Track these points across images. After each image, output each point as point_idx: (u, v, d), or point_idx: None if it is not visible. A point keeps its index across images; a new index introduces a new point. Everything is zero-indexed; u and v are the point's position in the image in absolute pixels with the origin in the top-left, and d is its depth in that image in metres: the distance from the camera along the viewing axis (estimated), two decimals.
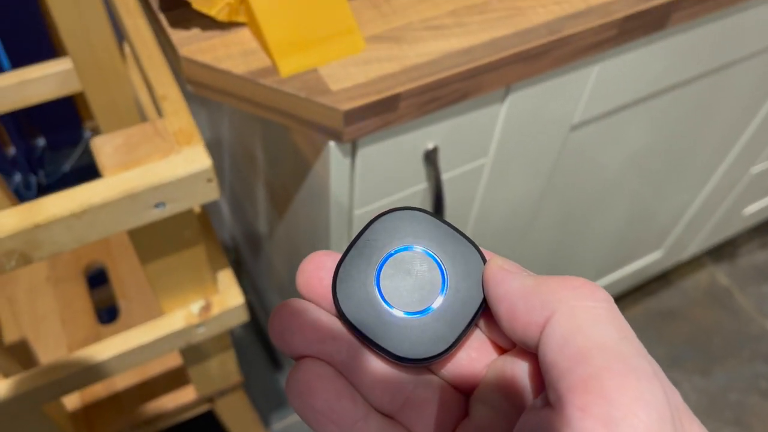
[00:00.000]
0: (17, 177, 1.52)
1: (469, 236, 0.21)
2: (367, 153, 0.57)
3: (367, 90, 0.51)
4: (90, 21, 0.67)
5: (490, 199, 0.73)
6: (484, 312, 0.20)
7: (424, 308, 0.20)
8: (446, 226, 0.21)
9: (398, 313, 0.20)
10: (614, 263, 1.11)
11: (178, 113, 0.49)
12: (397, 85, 0.51)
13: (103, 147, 0.46)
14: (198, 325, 0.61)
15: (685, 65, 0.71)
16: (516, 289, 0.19)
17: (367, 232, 0.21)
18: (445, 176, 0.64)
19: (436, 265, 0.20)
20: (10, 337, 0.80)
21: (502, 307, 0.19)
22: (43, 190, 1.56)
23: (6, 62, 1.20)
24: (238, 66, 0.52)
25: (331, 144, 0.54)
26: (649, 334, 1.23)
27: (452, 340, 0.20)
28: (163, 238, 0.53)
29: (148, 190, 0.45)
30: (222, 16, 0.52)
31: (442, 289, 0.20)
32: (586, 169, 0.80)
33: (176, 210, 0.48)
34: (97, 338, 0.81)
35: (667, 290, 1.30)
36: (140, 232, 0.50)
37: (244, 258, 1.19)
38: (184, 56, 0.52)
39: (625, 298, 1.25)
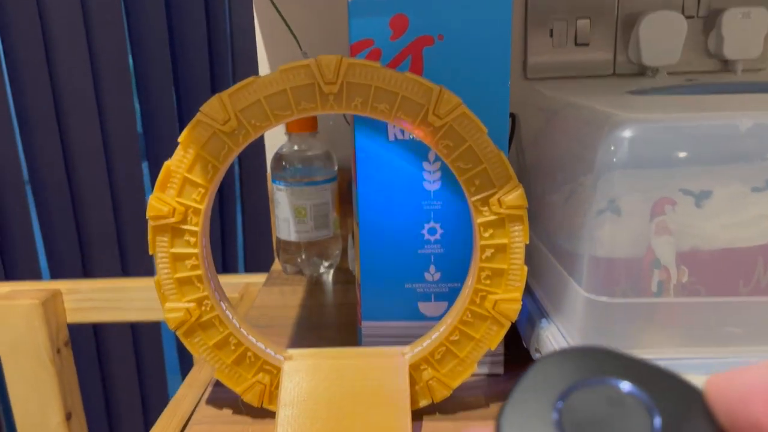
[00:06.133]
0: None
1: None
2: None
3: None
4: None
5: None
6: None
7: None
8: (640, 360, 0.16)
9: None
10: None
11: None
12: None
13: None
14: None
15: None
16: None
17: (533, 372, 0.17)
18: None
19: (637, 398, 0.16)
20: None
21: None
22: None
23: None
24: None
25: None
26: None
27: None
28: None
29: None
30: (251, 398, 0.41)
31: (654, 427, 0.15)
32: None
33: None
34: None
35: None
36: None
37: None
38: None
39: None
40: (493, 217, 0.38)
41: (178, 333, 0.40)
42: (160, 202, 0.38)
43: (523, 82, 0.70)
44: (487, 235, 0.38)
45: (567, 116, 0.45)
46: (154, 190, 0.38)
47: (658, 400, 0.16)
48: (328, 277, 0.66)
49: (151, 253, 0.38)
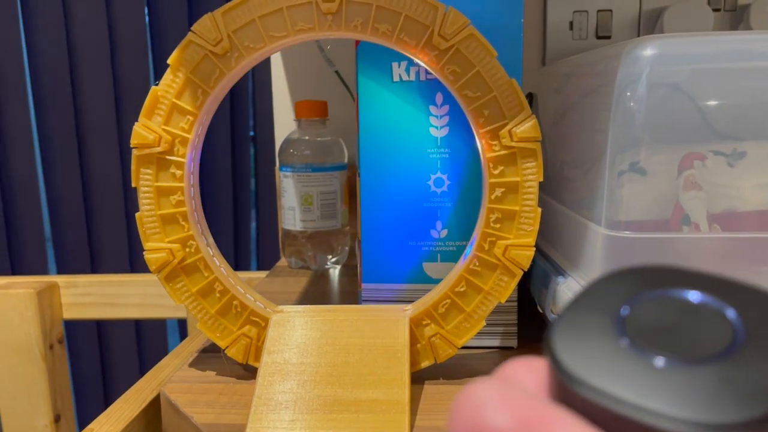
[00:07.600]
0: None
1: None
2: None
3: None
4: None
5: None
6: None
7: (711, 354, 0.12)
8: (710, 273, 0.14)
9: (667, 362, 0.12)
10: None
11: None
12: None
13: None
14: None
15: None
16: None
17: (586, 290, 0.14)
18: None
19: (712, 307, 0.13)
20: None
21: None
22: None
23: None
24: (205, 415, 0.33)
25: None
26: None
27: None
28: None
29: None
30: (235, 353, 0.37)
31: (737, 331, 0.13)
32: None
33: None
34: None
35: None
36: None
37: None
38: (162, 392, 0.36)
39: None
40: (503, 152, 0.35)
41: (159, 276, 0.36)
42: (145, 129, 0.35)
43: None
44: (497, 172, 0.35)
45: (584, 64, 0.42)
46: (140, 116, 0.35)
47: (737, 309, 0.14)
48: (335, 272, 0.63)
49: (134, 185, 0.36)
